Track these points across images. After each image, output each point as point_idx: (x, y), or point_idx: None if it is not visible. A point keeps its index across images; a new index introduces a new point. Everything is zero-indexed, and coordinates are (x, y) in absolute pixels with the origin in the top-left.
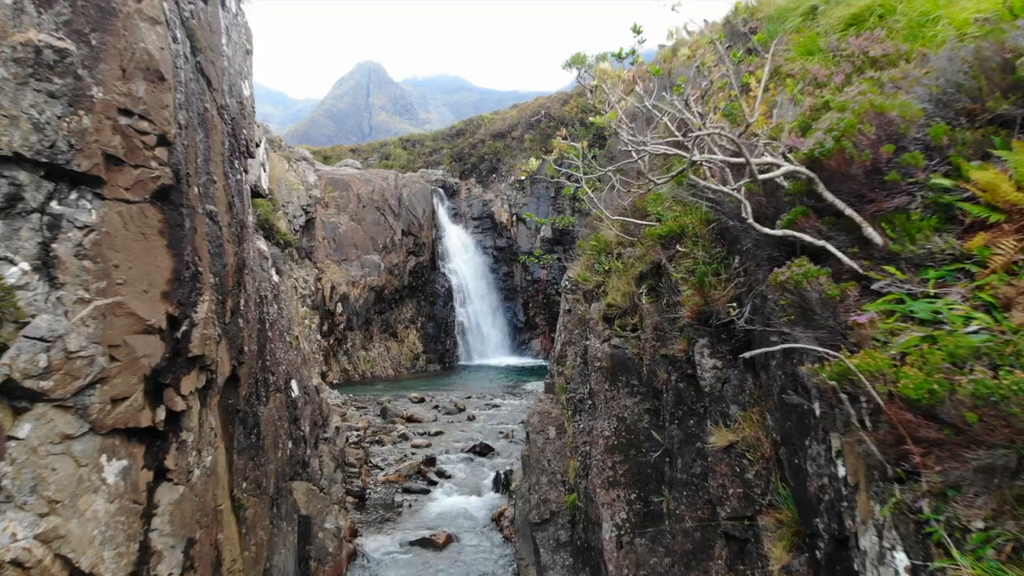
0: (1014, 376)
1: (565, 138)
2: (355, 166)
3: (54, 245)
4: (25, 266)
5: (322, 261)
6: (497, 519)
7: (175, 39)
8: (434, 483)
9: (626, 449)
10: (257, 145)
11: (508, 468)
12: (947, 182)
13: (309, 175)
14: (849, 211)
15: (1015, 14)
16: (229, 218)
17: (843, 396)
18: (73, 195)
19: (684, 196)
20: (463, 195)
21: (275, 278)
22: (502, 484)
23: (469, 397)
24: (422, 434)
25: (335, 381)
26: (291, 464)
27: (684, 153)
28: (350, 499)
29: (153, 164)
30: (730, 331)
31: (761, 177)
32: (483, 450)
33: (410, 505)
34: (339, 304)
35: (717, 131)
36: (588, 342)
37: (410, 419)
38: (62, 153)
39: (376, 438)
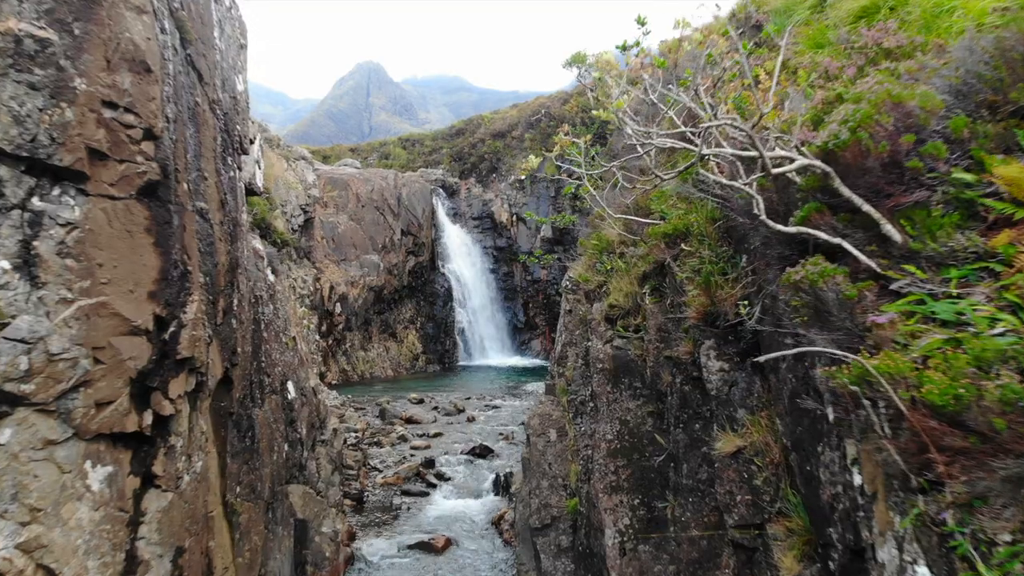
0: None
1: (567, 134)
2: (354, 165)
3: (35, 243)
4: (5, 265)
5: (321, 261)
6: (497, 522)
7: (163, 30)
8: (433, 485)
9: (629, 453)
10: (251, 141)
11: (508, 470)
12: (969, 176)
13: (308, 174)
14: (867, 207)
15: None
16: (221, 216)
17: (865, 402)
18: (56, 191)
19: (691, 192)
20: (463, 195)
21: (271, 278)
22: (502, 487)
23: (469, 398)
24: (421, 435)
25: (334, 382)
26: (287, 467)
27: (692, 147)
28: (348, 502)
29: (139, 159)
30: (737, 333)
31: (774, 171)
32: (483, 452)
33: (409, 508)
34: (338, 304)
35: (729, 122)
36: (590, 343)
37: (409, 420)
38: (44, 147)
39: (375, 440)
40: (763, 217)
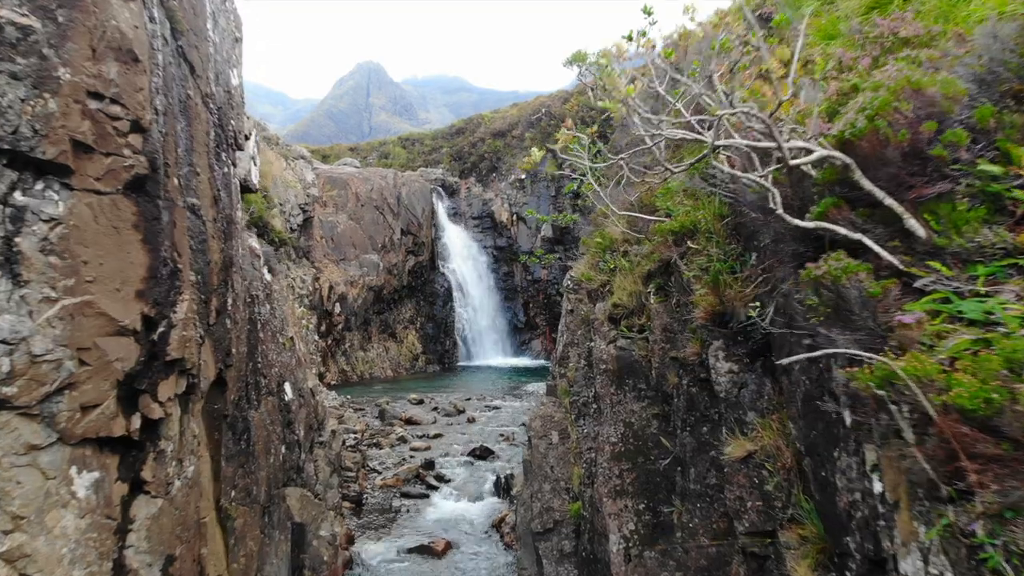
0: None
1: (570, 128)
2: (354, 165)
3: (17, 239)
4: None
5: (320, 260)
6: (498, 525)
7: (152, 19)
8: (433, 487)
9: (634, 456)
10: (247, 137)
11: (509, 472)
12: (996, 169)
13: (307, 173)
14: (889, 200)
15: None
16: (214, 213)
17: (892, 407)
18: (39, 185)
19: (701, 185)
20: (463, 194)
21: (267, 277)
22: (503, 488)
23: (469, 399)
24: (421, 437)
25: (333, 382)
26: (284, 470)
27: (704, 137)
28: (346, 504)
29: (126, 152)
30: (747, 333)
31: (792, 162)
32: (483, 453)
33: (408, 510)
34: (337, 304)
35: (746, 110)
36: (592, 343)
37: (409, 421)
38: (26, 139)
39: (374, 441)
40: (780, 211)
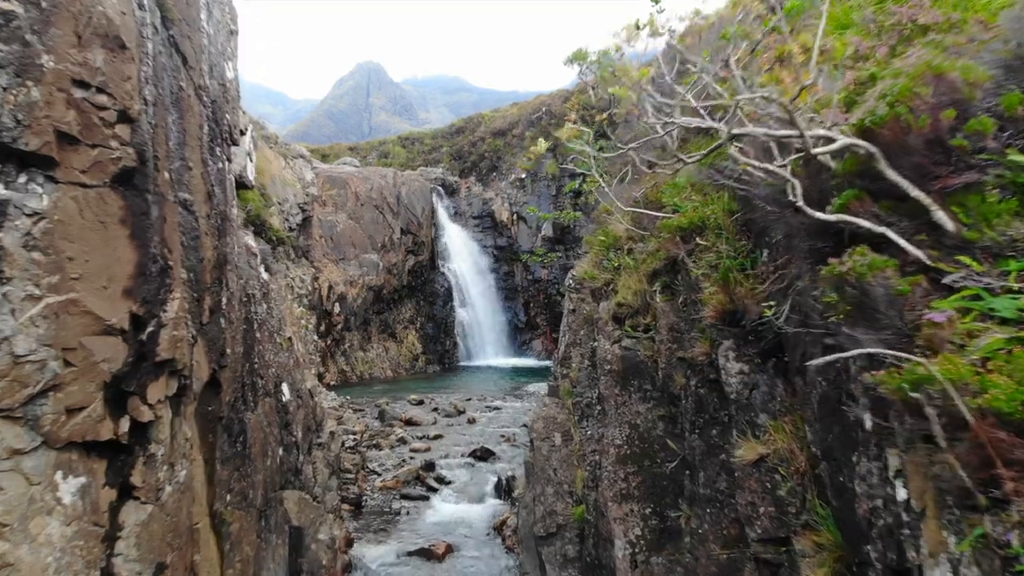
0: None
1: (574, 122)
2: (353, 164)
3: (0, 234)
4: None
5: (319, 260)
6: (499, 528)
7: (141, 5)
8: (433, 489)
9: (639, 459)
10: (243, 132)
11: (510, 473)
12: None
13: (306, 172)
14: (916, 191)
15: None
16: (208, 208)
17: (930, 410)
18: (22, 178)
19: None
20: (463, 193)
21: (264, 275)
22: (504, 490)
23: (469, 399)
24: (421, 438)
25: (332, 383)
26: (282, 472)
27: (719, 126)
28: (346, 507)
29: (113, 143)
30: (758, 332)
31: (815, 151)
32: (484, 454)
33: (408, 513)
34: (337, 304)
35: (766, 95)
36: (596, 343)
37: (409, 422)
38: (8, 130)
39: (373, 442)
40: (800, 203)
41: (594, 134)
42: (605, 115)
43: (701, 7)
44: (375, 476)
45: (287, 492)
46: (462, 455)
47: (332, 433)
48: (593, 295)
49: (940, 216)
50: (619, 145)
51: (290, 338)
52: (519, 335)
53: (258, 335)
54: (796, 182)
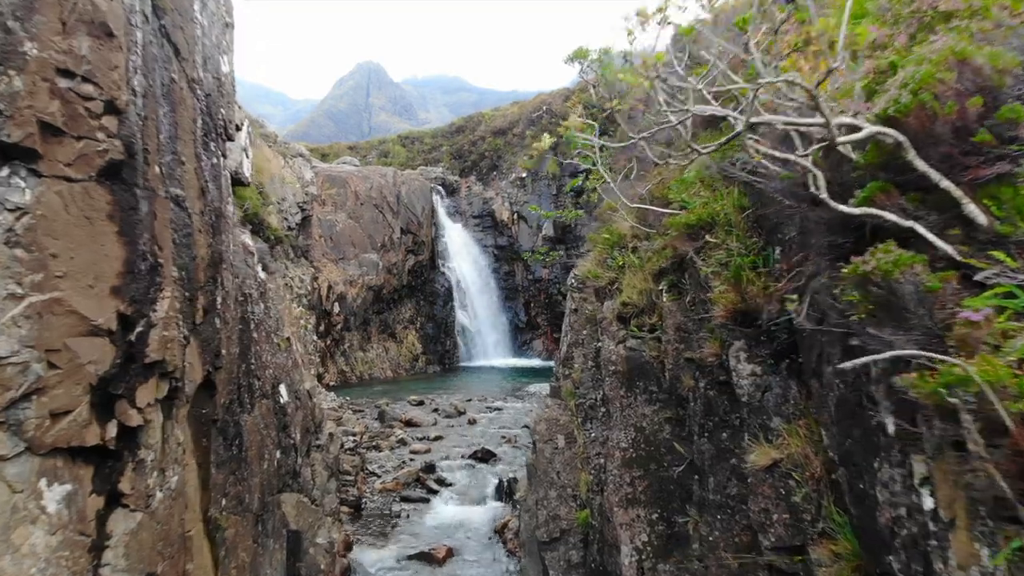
0: None
1: (580, 116)
2: (353, 163)
3: None
4: None
5: (319, 260)
6: (500, 531)
7: None
8: (434, 491)
9: (646, 463)
10: (238, 127)
11: (511, 475)
12: None
13: (305, 172)
14: (945, 183)
15: None
16: (202, 205)
17: (966, 416)
18: (3, 171)
19: (726, 170)
20: (463, 193)
21: (262, 275)
22: (505, 493)
23: (470, 400)
24: (421, 439)
25: (332, 383)
26: (279, 475)
27: (735, 115)
28: (345, 510)
29: (100, 135)
30: (770, 333)
31: (840, 140)
32: (485, 456)
33: (408, 515)
34: (336, 304)
35: (790, 79)
36: (600, 343)
37: (409, 423)
38: None
39: (373, 443)
40: (824, 196)
41: (609, 111)
42: (610, 106)
43: None
44: (375, 478)
45: (285, 495)
46: (463, 457)
47: (331, 435)
48: (597, 294)
49: (971, 209)
50: (630, 135)
51: (288, 338)
52: (520, 335)
53: (255, 335)
54: (819, 173)
